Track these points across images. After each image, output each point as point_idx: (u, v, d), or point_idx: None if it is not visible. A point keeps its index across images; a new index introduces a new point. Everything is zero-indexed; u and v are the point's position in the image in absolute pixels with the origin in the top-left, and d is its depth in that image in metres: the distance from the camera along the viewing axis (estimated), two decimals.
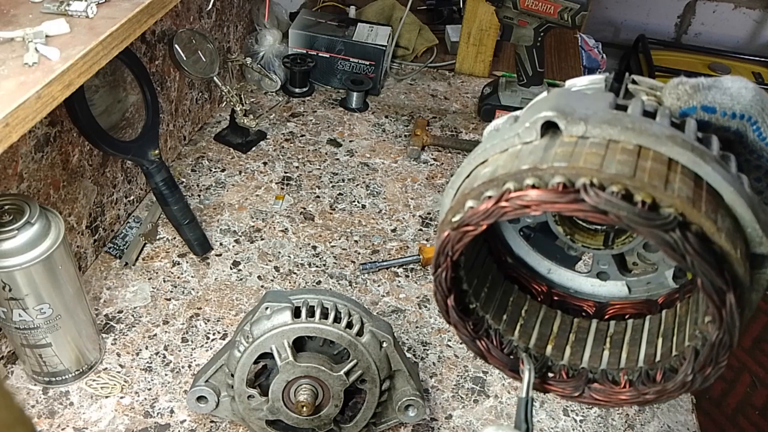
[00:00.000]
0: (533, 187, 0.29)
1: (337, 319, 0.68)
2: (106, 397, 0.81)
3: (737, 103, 0.34)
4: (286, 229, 1.07)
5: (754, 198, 0.29)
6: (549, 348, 0.40)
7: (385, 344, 0.70)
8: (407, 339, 0.91)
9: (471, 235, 0.31)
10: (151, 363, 0.85)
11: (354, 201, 1.14)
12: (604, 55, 2.05)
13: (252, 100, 1.35)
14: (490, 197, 0.30)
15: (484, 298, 0.40)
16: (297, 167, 1.20)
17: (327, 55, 1.39)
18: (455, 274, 0.36)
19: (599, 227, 0.39)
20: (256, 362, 0.70)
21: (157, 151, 0.93)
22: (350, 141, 1.28)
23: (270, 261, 1.01)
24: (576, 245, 0.39)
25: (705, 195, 0.28)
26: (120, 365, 0.84)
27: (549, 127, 0.31)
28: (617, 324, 0.40)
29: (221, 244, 1.03)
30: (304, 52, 1.39)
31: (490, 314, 0.40)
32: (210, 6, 1.18)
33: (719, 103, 0.34)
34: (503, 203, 0.29)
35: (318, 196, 1.14)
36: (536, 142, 0.31)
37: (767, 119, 0.34)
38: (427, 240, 1.07)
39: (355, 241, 1.06)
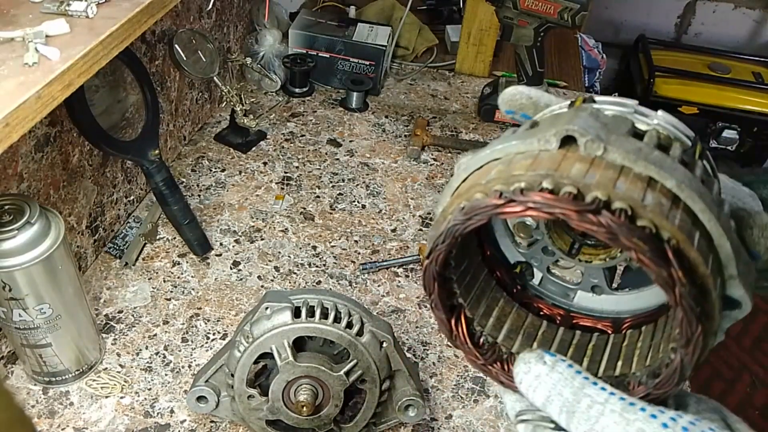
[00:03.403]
0: (544, 191, 0.30)
1: (337, 319, 0.68)
2: (106, 397, 0.81)
3: None
4: (286, 229, 1.07)
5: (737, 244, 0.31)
6: (515, 344, 0.40)
7: (385, 344, 0.70)
8: (407, 339, 0.91)
9: (473, 225, 0.32)
10: (151, 363, 0.85)
11: (354, 201, 1.14)
12: (604, 55, 2.05)
13: (252, 100, 1.35)
14: (499, 193, 0.31)
15: (471, 299, 0.40)
16: (297, 167, 1.20)
17: (327, 55, 1.39)
18: (447, 274, 0.37)
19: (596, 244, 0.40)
20: (256, 362, 0.70)
21: (157, 151, 0.93)
22: (350, 141, 1.28)
23: (270, 261, 1.01)
24: (576, 262, 0.40)
25: (698, 235, 0.30)
26: (120, 365, 0.84)
27: (568, 141, 0.32)
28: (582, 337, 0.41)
29: (221, 244, 1.03)
30: (304, 52, 1.39)
31: (471, 310, 0.40)
32: (210, 6, 1.18)
33: None
34: (513, 201, 0.30)
35: (318, 196, 1.14)
36: (553, 151, 0.32)
37: None
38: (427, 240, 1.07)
39: (355, 241, 1.06)
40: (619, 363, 0.37)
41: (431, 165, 1.24)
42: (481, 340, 0.39)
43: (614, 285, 0.41)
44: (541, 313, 0.42)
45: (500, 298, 0.42)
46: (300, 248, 1.04)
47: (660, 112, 0.35)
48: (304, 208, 1.11)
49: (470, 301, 0.40)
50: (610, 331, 0.40)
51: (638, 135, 0.33)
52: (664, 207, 0.29)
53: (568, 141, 0.32)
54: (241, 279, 0.98)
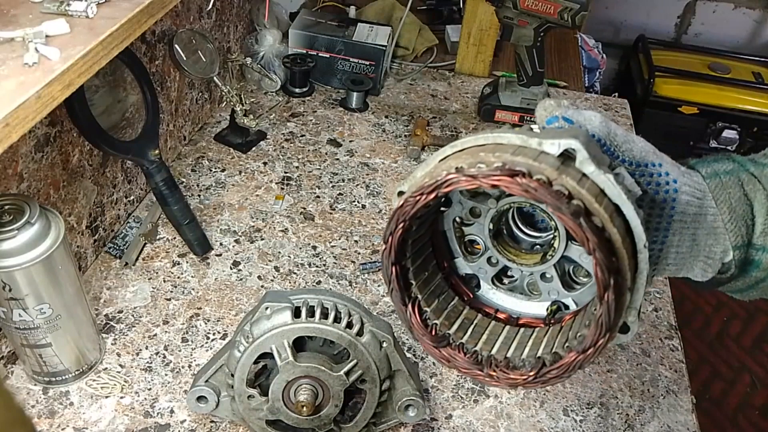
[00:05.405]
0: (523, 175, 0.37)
1: (337, 319, 0.68)
2: (106, 397, 0.81)
3: (589, 123, 0.41)
4: (286, 229, 1.07)
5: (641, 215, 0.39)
6: (466, 336, 0.48)
7: (385, 344, 0.70)
8: (407, 339, 0.91)
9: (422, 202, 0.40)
10: (151, 363, 0.85)
11: (354, 201, 1.14)
12: (604, 55, 2.05)
13: (252, 100, 1.35)
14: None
15: (422, 287, 0.48)
16: (297, 167, 1.20)
17: (327, 55, 1.39)
18: (403, 261, 0.45)
19: (538, 247, 0.48)
20: (256, 362, 0.70)
21: (157, 151, 0.93)
22: (350, 141, 1.28)
23: (270, 261, 1.01)
24: (518, 266, 0.48)
25: (606, 201, 0.38)
26: (120, 365, 0.84)
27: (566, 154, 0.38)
28: (525, 330, 0.49)
29: (221, 244, 1.03)
30: (304, 52, 1.39)
31: (423, 297, 0.48)
32: (210, 6, 1.18)
33: (576, 119, 0.41)
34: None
35: (318, 196, 1.14)
36: (551, 158, 0.38)
37: (615, 140, 0.41)
38: None
39: (355, 241, 1.06)
40: (555, 343, 0.45)
41: None
42: (435, 330, 0.47)
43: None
44: (488, 314, 0.51)
45: (452, 299, 0.50)
46: (300, 248, 1.04)
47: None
48: (304, 208, 1.11)
49: (425, 295, 0.47)
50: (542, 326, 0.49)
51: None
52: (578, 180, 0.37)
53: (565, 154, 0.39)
54: (241, 279, 0.98)
